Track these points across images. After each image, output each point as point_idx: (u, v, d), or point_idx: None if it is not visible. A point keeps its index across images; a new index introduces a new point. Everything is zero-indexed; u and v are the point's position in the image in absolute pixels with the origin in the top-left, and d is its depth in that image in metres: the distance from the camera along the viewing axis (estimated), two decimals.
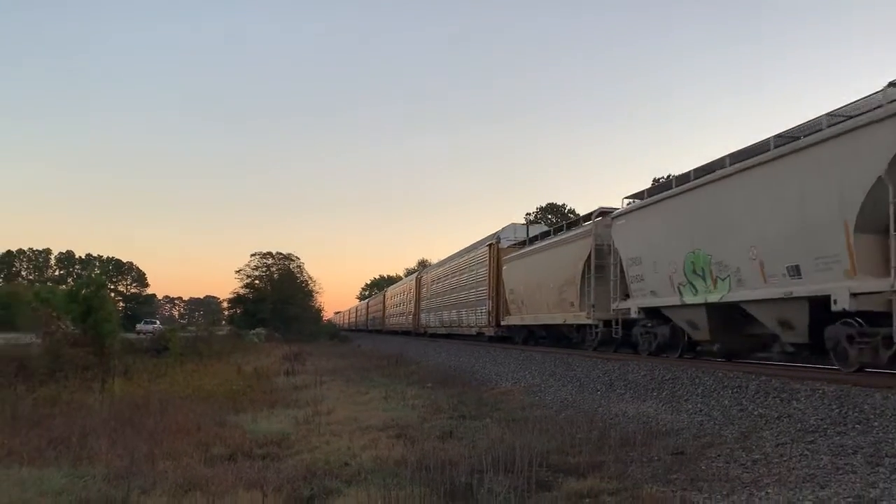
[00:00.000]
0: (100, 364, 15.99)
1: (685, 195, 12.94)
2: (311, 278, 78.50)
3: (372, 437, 9.36)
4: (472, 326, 29.45)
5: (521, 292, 22.96)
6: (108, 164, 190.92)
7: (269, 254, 78.52)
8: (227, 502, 5.90)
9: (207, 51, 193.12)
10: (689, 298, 12.60)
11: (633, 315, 15.00)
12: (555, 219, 64.35)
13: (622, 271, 15.67)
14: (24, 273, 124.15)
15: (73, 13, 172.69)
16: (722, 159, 11.87)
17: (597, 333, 17.26)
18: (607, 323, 16.54)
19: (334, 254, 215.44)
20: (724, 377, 9.64)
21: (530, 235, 24.75)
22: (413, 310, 44.98)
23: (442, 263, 39.39)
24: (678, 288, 13.01)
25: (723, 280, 11.49)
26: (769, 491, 5.56)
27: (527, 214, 76.33)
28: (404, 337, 44.36)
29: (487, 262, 27.11)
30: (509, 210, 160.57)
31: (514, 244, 25.42)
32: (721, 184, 11.69)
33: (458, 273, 33.06)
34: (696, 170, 12.84)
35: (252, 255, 78.24)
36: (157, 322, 72.27)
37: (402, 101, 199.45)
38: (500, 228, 27.59)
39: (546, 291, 20.15)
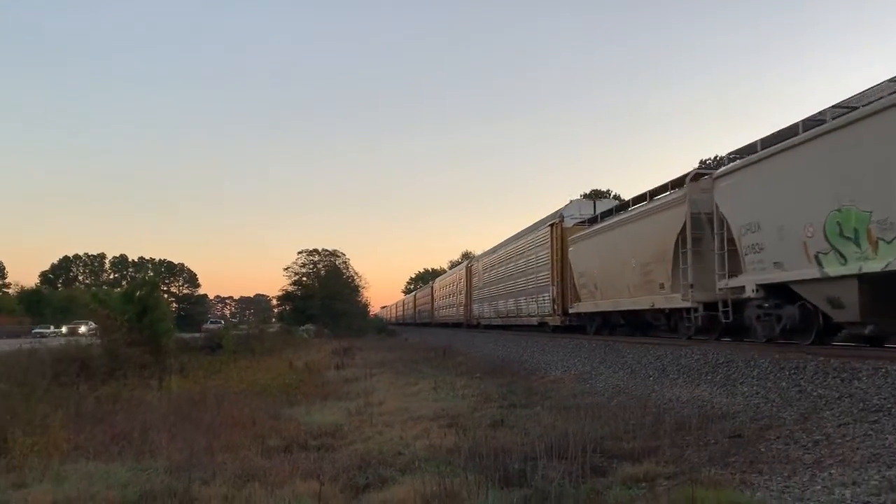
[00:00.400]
0: (156, 362, 16.43)
1: (827, 138, 10.24)
2: (356, 274, 79.39)
3: (423, 427, 9.42)
4: (532, 316, 27.08)
5: (593, 275, 20.24)
6: (157, 169, 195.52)
7: (316, 251, 79.67)
8: (286, 492, 6.00)
9: (243, 50, 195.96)
10: (834, 269, 10.01)
11: (749, 294, 12.38)
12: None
13: (730, 242, 13.07)
14: (80, 277, 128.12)
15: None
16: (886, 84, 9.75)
17: (696, 318, 14.71)
18: (708, 306, 14.16)
19: (378, 249, 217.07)
20: (781, 359, 9.42)
21: (600, 211, 22.17)
22: (464, 301, 43.45)
23: (495, 250, 36.37)
24: (816, 257, 10.45)
25: (889, 243, 8.99)
26: (832, 472, 5.42)
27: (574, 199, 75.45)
28: (452, 329, 44.17)
29: (549, 244, 24.55)
30: (552, 198, 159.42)
31: (581, 222, 22.68)
32: (891, 115, 9.02)
33: (514, 258, 30.55)
34: (834, 107, 10.50)
35: (299, 253, 79.41)
36: (222, 322, 74.42)
37: (441, 91, 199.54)
38: (563, 205, 24.80)
39: (627, 272, 17.52)
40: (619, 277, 18.15)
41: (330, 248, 79.78)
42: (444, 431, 8.87)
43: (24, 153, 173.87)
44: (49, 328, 54.40)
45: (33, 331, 45.56)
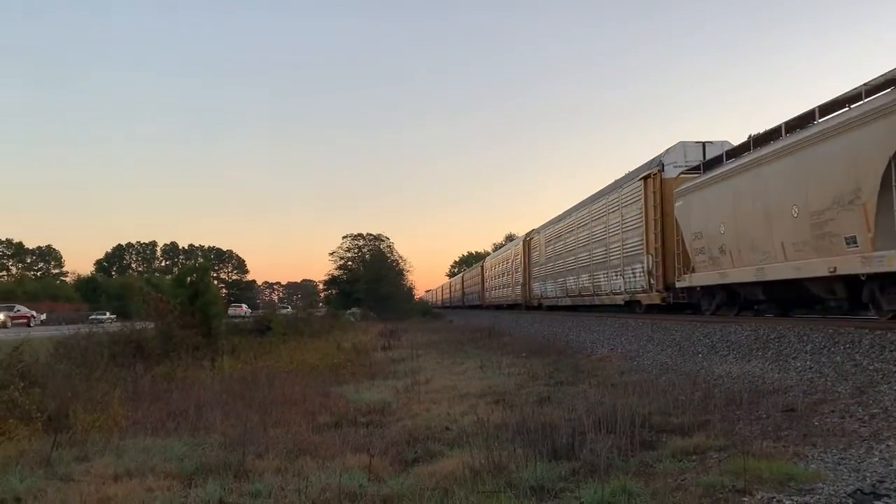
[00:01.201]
0: (208, 344, 16.82)
1: None
2: (401, 257, 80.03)
3: (470, 404, 9.48)
4: (617, 294, 22.09)
5: (717, 236, 15.17)
6: (205, 159, 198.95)
7: (360, 235, 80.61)
8: (336, 464, 6.11)
9: (284, 34, 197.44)
10: None
11: None
12: None
13: None
14: (133, 265, 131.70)
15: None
16: None
17: None
18: None
19: (422, 234, 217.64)
20: (835, 333, 9.19)
21: (713, 154, 17.04)
22: (521, 279, 38.74)
23: (561, 218, 30.64)
24: None
25: None
26: (890, 444, 5.30)
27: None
28: (504, 312, 42.27)
29: (643, 202, 19.49)
30: (601, 175, 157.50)
31: (691, 169, 17.73)
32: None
33: (588, 225, 25.46)
34: None
35: (344, 238, 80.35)
36: (244, 305, 74.28)
37: (479, 73, 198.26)
38: (662, 152, 19.52)
39: (781, 226, 12.47)
40: (764, 235, 13.12)
41: (374, 233, 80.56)
42: (490, 408, 8.92)
43: (77, 144, 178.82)
44: (105, 314, 56.08)
45: (90, 317, 47.05)
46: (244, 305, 73.87)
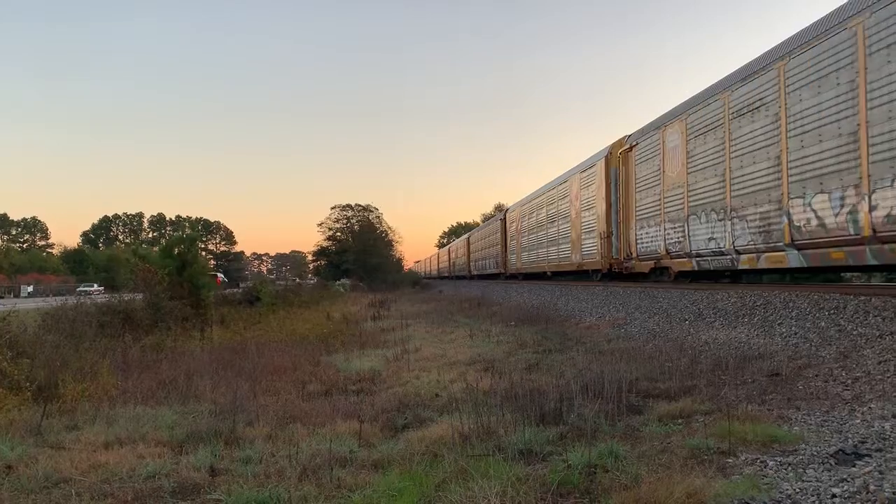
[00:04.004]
0: (197, 314, 16.83)
1: None
2: (390, 228, 79.95)
3: (460, 371, 9.55)
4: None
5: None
6: (191, 129, 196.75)
7: (349, 206, 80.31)
8: (327, 431, 6.16)
9: (260, 16, 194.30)
10: None
11: None
12: None
13: None
14: (120, 237, 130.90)
15: None
16: None
17: None
18: None
19: (411, 204, 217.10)
20: (820, 299, 9.28)
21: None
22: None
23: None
24: None
25: None
26: (872, 406, 5.39)
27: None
28: (485, 281, 42.85)
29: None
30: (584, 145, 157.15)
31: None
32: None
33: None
34: None
35: (332, 208, 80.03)
36: (220, 274, 65.62)
37: (466, 37, 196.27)
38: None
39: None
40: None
41: (363, 204, 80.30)
42: (480, 375, 8.98)
43: (60, 114, 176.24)
44: (93, 286, 55.86)
45: (78, 289, 46.84)
46: (220, 274, 72.11)
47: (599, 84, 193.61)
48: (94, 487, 4.80)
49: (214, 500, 4.48)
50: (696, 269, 14.17)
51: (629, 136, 18.48)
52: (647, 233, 16.62)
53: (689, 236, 14.17)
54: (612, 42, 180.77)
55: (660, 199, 15.74)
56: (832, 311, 8.67)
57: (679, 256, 14.86)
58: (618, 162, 18.83)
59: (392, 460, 5.12)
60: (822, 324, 8.49)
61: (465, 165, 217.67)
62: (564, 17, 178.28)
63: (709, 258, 13.53)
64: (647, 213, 16.63)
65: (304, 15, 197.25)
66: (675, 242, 14.93)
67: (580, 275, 23.17)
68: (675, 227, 14.92)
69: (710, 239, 13.26)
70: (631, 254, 17.74)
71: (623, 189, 18.42)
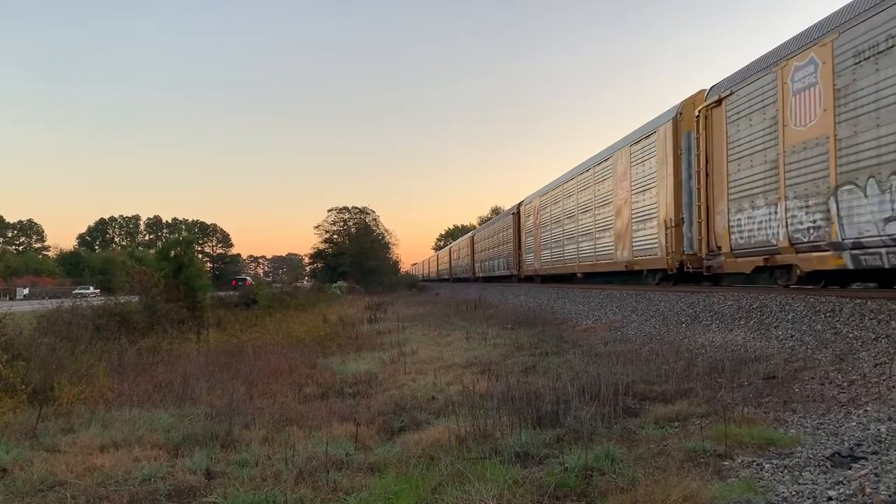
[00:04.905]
0: (194, 317, 16.80)
1: None
2: (386, 231, 79.97)
3: (456, 374, 9.54)
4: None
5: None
6: (188, 131, 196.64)
7: (346, 208, 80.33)
8: (323, 434, 6.15)
9: (260, 18, 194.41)
10: None
11: None
12: None
13: None
14: (116, 239, 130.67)
15: None
16: None
17: None
18: None
19: (407, 209, 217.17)
20: (816, 302, 9.30)
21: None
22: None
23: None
24: None
25: None
26: (868, 409, 5.40)
27: None
28: (485, 283, 42.37)
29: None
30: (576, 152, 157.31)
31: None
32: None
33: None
34: None
35: (329, 211, 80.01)
36: (91, 287, 61.51)
37: (465, 38, 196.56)
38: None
39: None
40: None
41: (360, 206, 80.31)
42: (476, 377, 8.98)
43: (58, 116, 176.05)
44: (89, 288, 55.73)
45: (74, 291, 46.78)
46: (248, 278, 71.47)
47: (599, 84, 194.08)
48: (89, 491, 4.79)
49: (210, 503, 4.47)
50: (850, 267, 9.42)
51: (713, 86, 13.73)
52: (749, 217, 11.89)
53: (840, 216, 9.41)
54: (612, 42, 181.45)
55: (776, 167, 11.02)
56: (828, 314, 8.68)
57: (816, 249, 10.13)
58: (695, 124, 13.88)
59: (388, 463, 5.11)
60: (819, 326, 8.50)
61: (464, 167, 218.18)
62: (564, 17, 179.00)
63: (883, 251, 8.66)
64: (749, 188, 11.90)
65: (302, 16, 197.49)
66: (807, 229, 10.24)
67: (628, 277, 18.25)
68: (807, 206, 10.20)
69: (889, 219, 8.48)
70: (719, 247, 13.04)
71: (704, 159, 13.52)
